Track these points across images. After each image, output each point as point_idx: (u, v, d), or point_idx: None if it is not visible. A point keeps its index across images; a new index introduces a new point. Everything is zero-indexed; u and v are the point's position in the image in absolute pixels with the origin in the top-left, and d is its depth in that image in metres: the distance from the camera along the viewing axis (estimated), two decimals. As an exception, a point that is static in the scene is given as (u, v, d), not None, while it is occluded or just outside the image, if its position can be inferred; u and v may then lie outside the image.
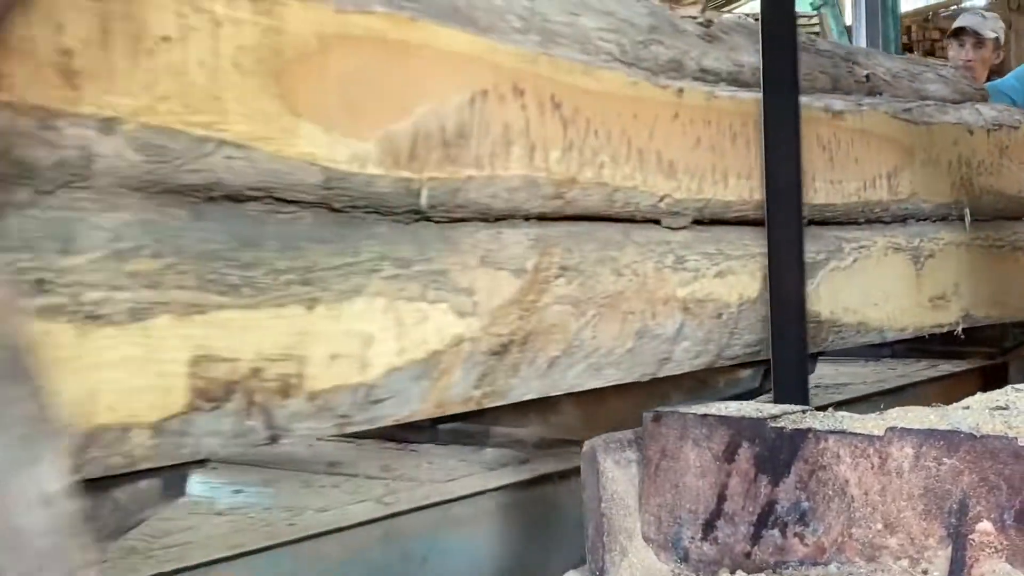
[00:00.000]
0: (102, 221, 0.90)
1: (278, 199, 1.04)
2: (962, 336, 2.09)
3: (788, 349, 1.62)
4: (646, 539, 1.36)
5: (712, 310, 1.47)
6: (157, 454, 0.92)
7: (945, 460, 1.20)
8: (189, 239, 0.95)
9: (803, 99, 1.66)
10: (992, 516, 1.16)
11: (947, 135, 2.04)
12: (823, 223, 1.72)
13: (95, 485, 0.94)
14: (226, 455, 1.09)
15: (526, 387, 1.26)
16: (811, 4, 3.73)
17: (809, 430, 1.28)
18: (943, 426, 1.25)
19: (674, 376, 1.58)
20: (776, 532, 1.27)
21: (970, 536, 1.16)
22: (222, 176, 0.97)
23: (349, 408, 1.06)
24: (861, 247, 1.78)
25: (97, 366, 0.87)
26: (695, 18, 1.56)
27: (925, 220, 2.00)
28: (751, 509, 1.29)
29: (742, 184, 1.51)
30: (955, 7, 12.18)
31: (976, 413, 1.37)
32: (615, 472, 1.37)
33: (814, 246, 1.68)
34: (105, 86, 0.87)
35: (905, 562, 1.19)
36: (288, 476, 1.66)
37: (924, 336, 2.21)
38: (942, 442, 1.20)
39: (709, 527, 1.31)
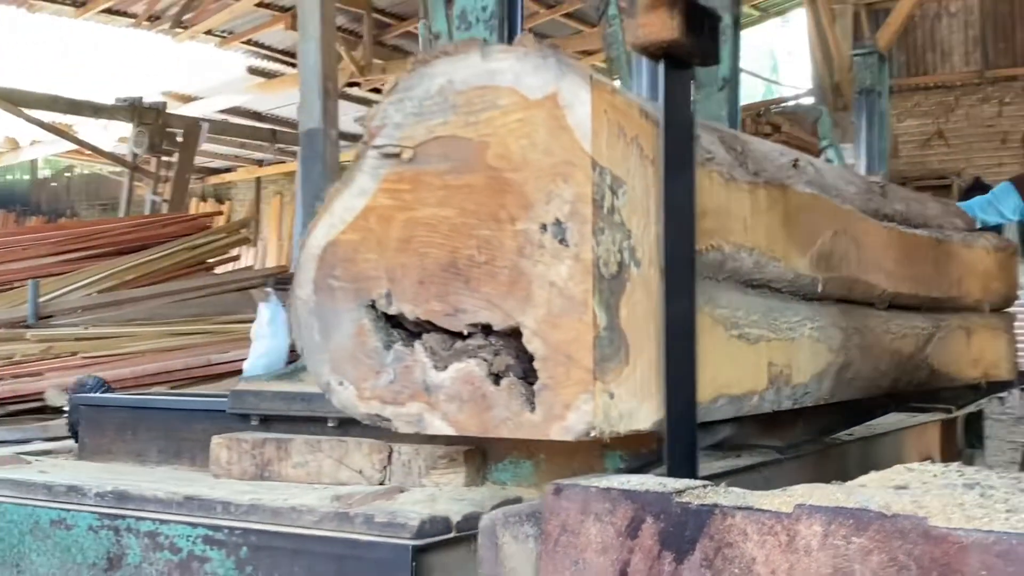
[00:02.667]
0: (727, 295, 2.15)
1: (755, 284, 2.31)
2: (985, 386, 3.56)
3: (680, 421, 1.85)
4: (543, 619, 1.40)
5: (904, 354, 2.83)
6: (759, 407, 2.17)
7: (854, 539, 1.28)
8: (757, 306, 2.22)
9: (921, 232, 3.07)
10: (902, 597, 1.18)
11: (977, 254, 3.52)
12: (933, 310, 3.12)
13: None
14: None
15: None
16: (820, 143, 5.21)
17: (715, 506, 1.38)
18: (851, 504, 1.34)
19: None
20: (681, 612, 1.25)
21: (879, 617, 1.17)
22: (766, 276, 2.24)
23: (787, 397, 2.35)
24: (947, 324, 3.19)
25: (745, 364, 2.12)
26: (877, 183, 2.95)
27: (966, 310, 3.45)
28: (655, 588, 1.27)
29: (915, 285, 2.89)
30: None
31: (881, 491, 1.53)
32: (513, 548, 1.49)
33: (930, 322, 3.08)
34: (743, 230, 2.15)
35: (813, 644, 1.21)
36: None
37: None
38: (851, 520, 1.28)
39: (610, 607, 1.30)
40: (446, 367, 1.79)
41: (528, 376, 1.75)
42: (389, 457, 2.28)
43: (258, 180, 18.16)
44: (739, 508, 1.39)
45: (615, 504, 1.45)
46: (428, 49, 2.70)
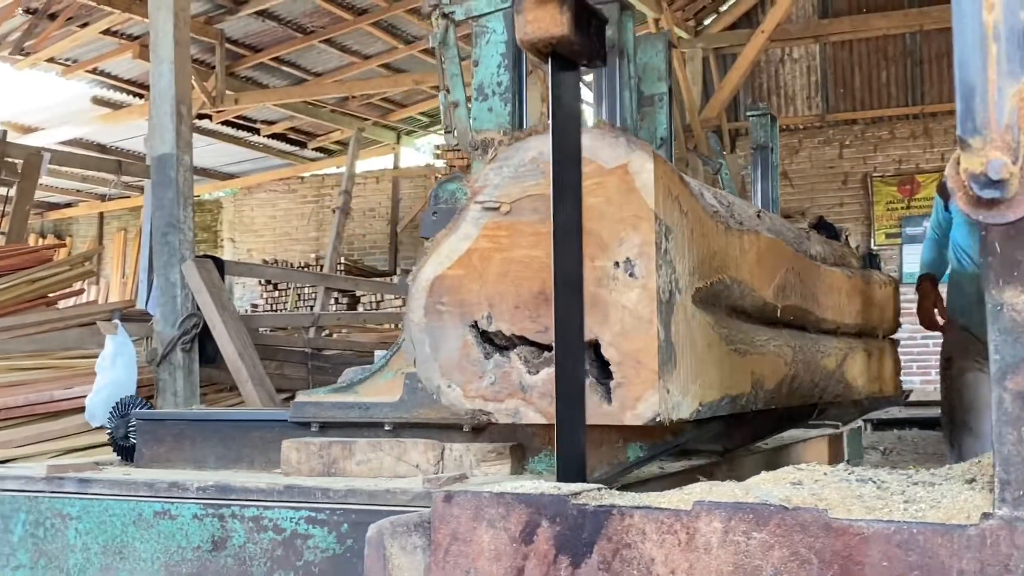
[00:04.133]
0: (725, 318, 2.86)
1: (737, 309, 3.03)
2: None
3: (569, 426, 2.07)
4: (433, 632, 1.40)
5: (828, 369, 3.60)
6: (745, 406, 2.89)
7: (755, 534, 1.32)
8: (741, 327, 2.93)
9: (836, 269, 3.87)
10: (804, 591, 1.19)
11: (873, 288, 4.35)
12: (846, 334, 3.92)
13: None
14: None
15: (787, 400, 3.31)
16: (712, 167, 6.05)
17: (613, 506, 1.41)
18: (751, 499, 1.39)
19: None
20: (578, 619, 1.21)
21: (782, 613, 1.18)
22: (745, 303, 2.96)
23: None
24: (855, 347, 3.99)
25: (738, 372, 2.83)
26: (804, 228, 3.73)
27: (867, 335, 4.27)
28: (550, 595, 1.24)
29: (835, 312, 3.67)
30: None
31: (780, 486, 1.60)
32: (401, 559, 1.50)
33: (844, 344, 3.87)
34: (735, 267, 2.86)
35: (716, 644, 1.18)
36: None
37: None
38: (751, 515, 1.32)
39: (503, 617, 1.26)
40: (538, 371, 2.44)
41: (600, 378, 2.42)
42: (442, 454, 2.89)
43: (101, 215, 18.23)
44: (637, 508, 1.43)
45: (509, 509, 1.49)
46: (448, 114, 3.35)
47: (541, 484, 1.74)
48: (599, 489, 1.72)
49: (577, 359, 2.25)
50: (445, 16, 3.26)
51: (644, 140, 2.46)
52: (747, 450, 3.94)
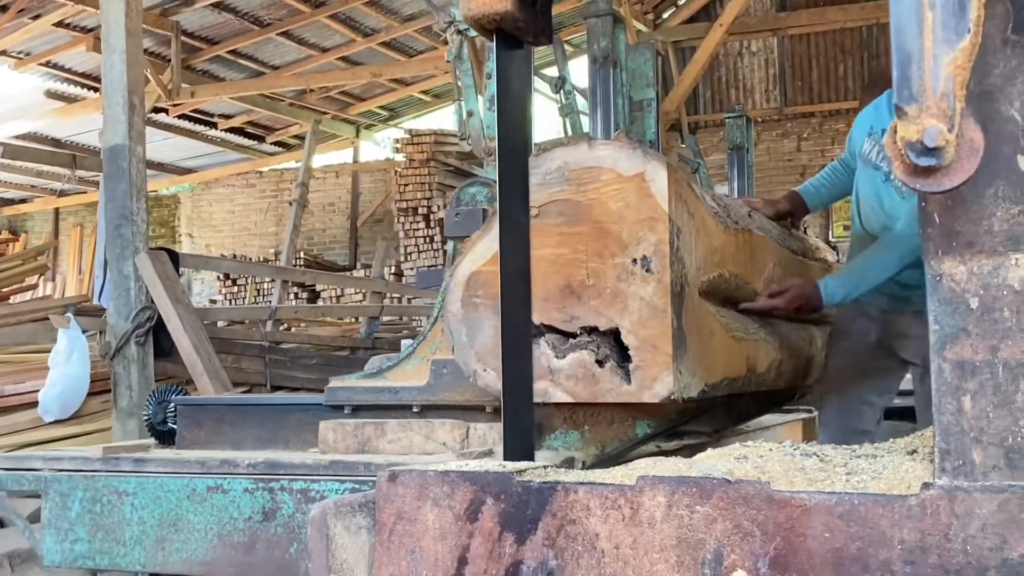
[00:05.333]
0: (723, 308, 3.28)
1: (732, 300, 3.45)
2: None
3: (516, 408, 2.17)
4: (377, 612, 1.43)
5: (810, 355, 4.02)
6: (742, 388, 3.30)
7: (698, 508, 1.37)
8: (736, 316, 3.34)
9: (813, 263, 4.30)
10: (747, 564, 1.33)
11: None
12: (820, 323, 4.35)
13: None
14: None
15: (773, 383, 3.73)
16: (691, 166, 6.52)
17: (557, 483, 1.46)
18: (694, 473, 1.44)
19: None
20: (521, 595, 1.25)
21: (725, 586, 1.24)
22: (739, 295, 3.38)
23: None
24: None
25: (735, 356, 3.24)
26: (784, 224, 4.16)
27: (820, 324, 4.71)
28: (494, 572, 1.40)
29: (814, 302, 4.10)
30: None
31: (724, 460, 1.64)
32: (345, 539, 1.52)
33: (821, 332, 4.30)
34: (732, 263, 3.28)
35: (658, 618, 1.22)
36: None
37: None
38: (695, 489, 1.36)
39: (448, 596, 1.30)
40: (564, 356, 2.82)
41: (620, 362, 2.81)
42: (467, 432, 3.27)
43: (56, 211, 18.39)
44: (581, 484, 1.46)
45: (454, 487, 1.51)
46: (463, 123, 3.74)
47: (486, 462, 1.82)
48: (544, 467, 1.81)
49: (524, 343, 2.51)
50: (459, 32, 3.64)
51: (659, 153, 2.85)
52: (733, 431, 4.35)
